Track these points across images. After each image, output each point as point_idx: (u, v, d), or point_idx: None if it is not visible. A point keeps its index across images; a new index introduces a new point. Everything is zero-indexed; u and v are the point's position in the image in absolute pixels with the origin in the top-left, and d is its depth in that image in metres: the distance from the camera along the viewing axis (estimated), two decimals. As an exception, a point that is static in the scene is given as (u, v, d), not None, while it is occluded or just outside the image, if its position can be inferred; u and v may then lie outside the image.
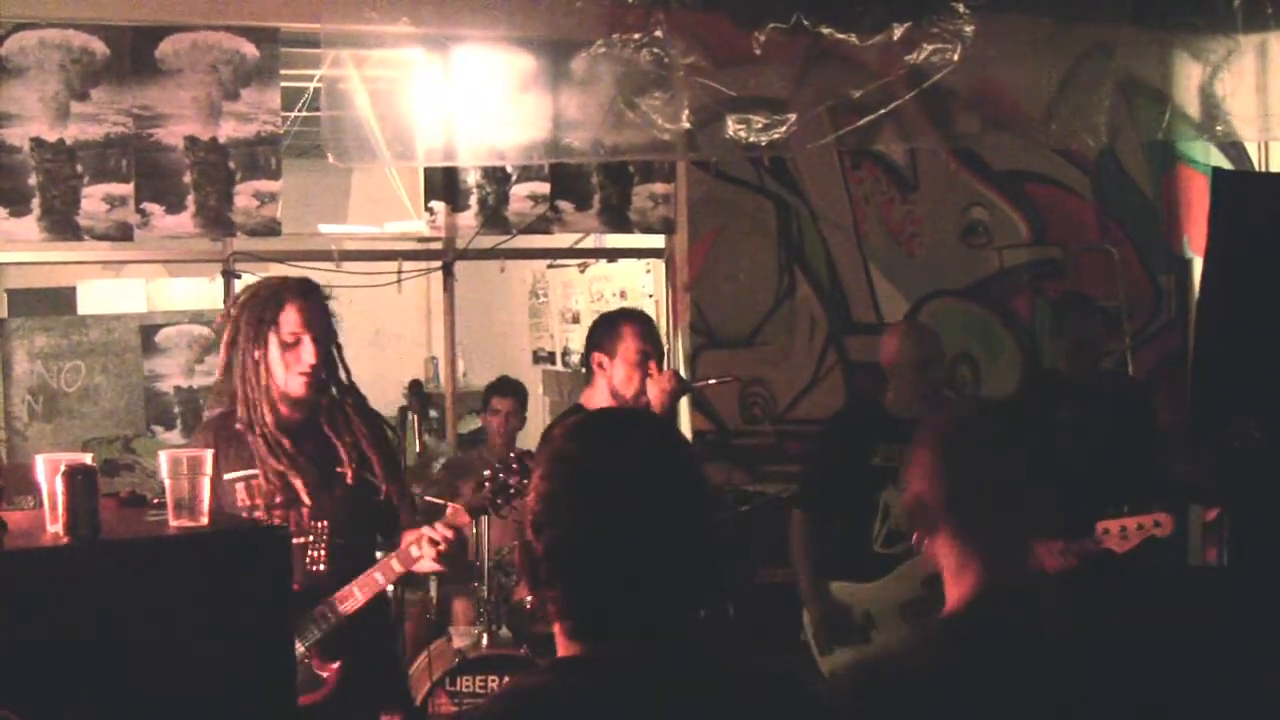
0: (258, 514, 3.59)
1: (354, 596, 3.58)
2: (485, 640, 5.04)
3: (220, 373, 3.70)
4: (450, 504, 3.68)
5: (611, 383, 4.26)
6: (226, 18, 5.41)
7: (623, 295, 7.54)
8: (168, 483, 2.81)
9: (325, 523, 3.63)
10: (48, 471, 2.74)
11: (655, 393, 4.07)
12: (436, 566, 3.64)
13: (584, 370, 4.44)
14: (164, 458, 2.84)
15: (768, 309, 6.24)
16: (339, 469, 3.64)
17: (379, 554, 3.76)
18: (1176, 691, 2.23)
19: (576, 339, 8.23)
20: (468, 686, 4.91)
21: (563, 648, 1.66)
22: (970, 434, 2.27)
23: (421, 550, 3.54)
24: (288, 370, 3.55)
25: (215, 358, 6.46)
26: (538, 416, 9.04)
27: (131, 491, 3.21)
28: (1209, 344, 6.10)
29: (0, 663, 2.46)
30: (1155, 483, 4.98)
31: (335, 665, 3.59)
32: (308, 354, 3.54)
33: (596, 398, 4.32)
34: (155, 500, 3.06)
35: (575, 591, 1.63)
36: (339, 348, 3.70)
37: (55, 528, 2.67)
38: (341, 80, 5.52)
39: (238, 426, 3.59)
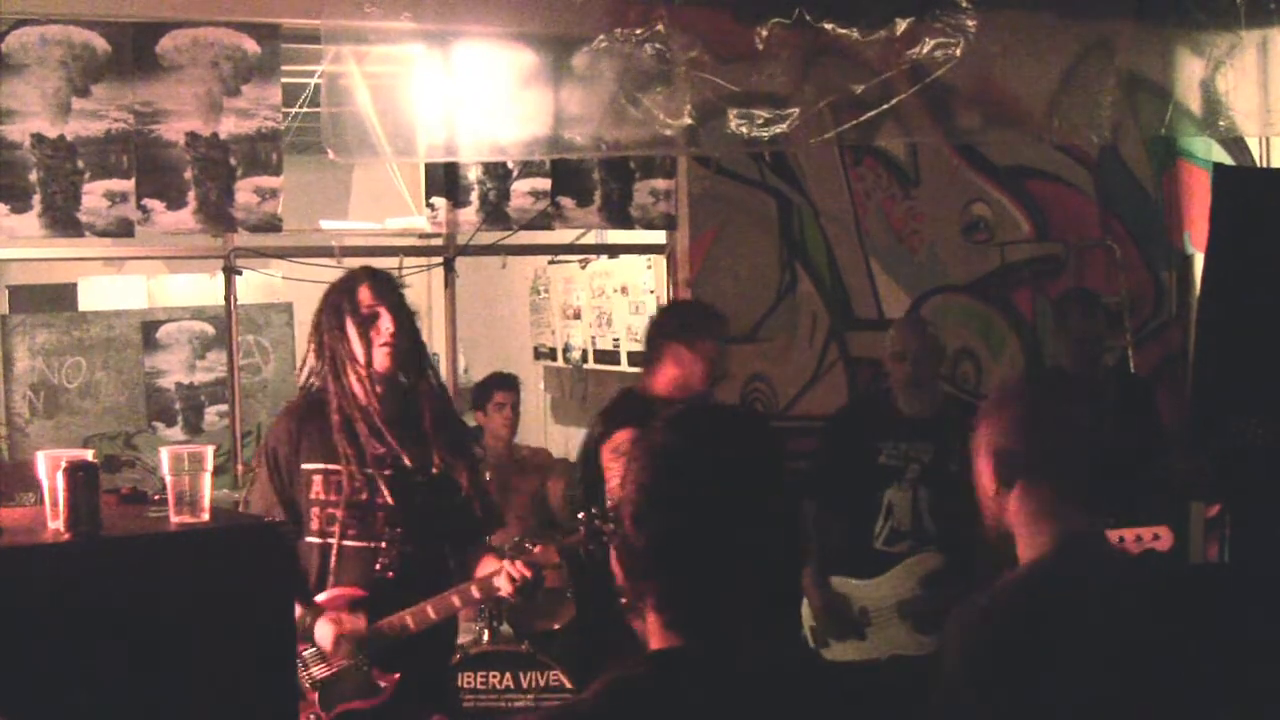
0: (330, 509, 3.58)
1: (427, 615, 3.58)
2: (486, 636, 5.05)
3: (300, 378, 3.73)
4: (541, 545, 3.62)
5: (682, 373, 4.31)
6: (227, 14, 5.40)
7: (624, 291, 7.54)
8: (169, 479, 2.81)
9: (400, 529, 3.61)
10: (49, 468, 2.74)
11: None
12: (510, 598, 3.60)
13: (648, 351, 4.48)
14: (165, 454, 2.84)
15: (769, 305, 6.24)
16: (419, 472, 3.61)
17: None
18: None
19: (578, 335, 8.23)
20: (469, 683, 4.92)
21: (658, 639, 1.67)
22: (1056, 393, 2.41)
23: (500, 584, 3.52)
24: (369, 348, 3.55)
25: (216, 354, 6.49)
26: (538, 412, 9.05)
27: (133, 488, 3.21)
28: (1210, 340, 6.08)
29: (1, 659, 2.46)
30: (1157, 480, 4.98)
31: (395, 676, 3.59)
32: (386, 324, 3.56)
33: (658, 384, 4.33)
34: (156, 497, 3.06)
35: (675, 584, 1.65)
36: (417, 331, 3.70)
37: (56, 524, 2.67)
38: (342, 76, 5.51)
39: (329, 425, 3.57)
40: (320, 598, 3.58)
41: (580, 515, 3.64)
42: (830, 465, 4.89)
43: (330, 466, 3.60)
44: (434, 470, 3.63)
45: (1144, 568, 2.35)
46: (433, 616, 3.58)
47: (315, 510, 3.61)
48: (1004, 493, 2.32)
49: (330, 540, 3.59)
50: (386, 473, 3.59)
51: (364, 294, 3.59)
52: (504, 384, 6.33)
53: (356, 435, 3.57)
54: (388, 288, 3.64)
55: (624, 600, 1.74)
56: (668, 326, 4.45)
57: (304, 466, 3.64)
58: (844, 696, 1.72)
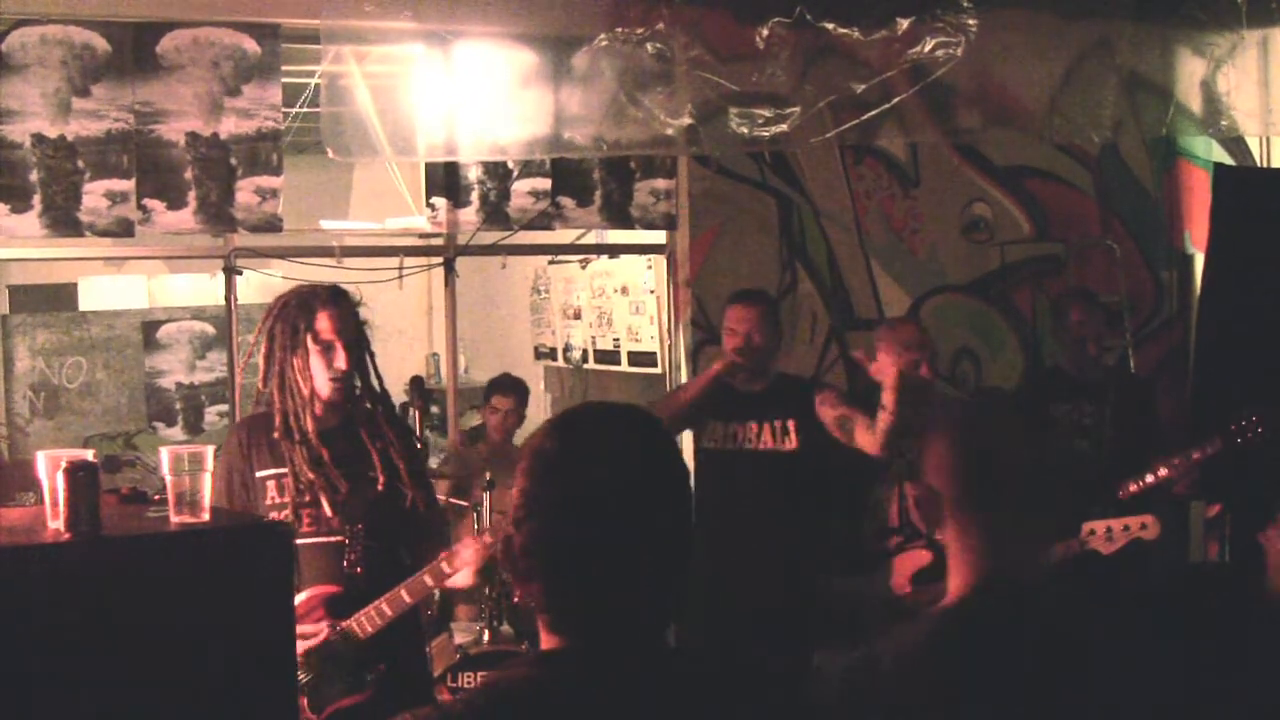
0: (285, 513, 3.65)
1: (402, 599, 3.64)
2: (486, 637, 5.05)
3: (261, 384, 3.75)
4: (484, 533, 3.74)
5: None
6: (227, 14, 5.40)
7: (624, 291, 7.54)
8: (169, 479, 2.81)
9: (360, 525, 3.67)
10: (49, 468, 2.74)
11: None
12: (472, 578, 3.72)
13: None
14: (165, 454, 2.84)
15: (769, 305, 6.23)
16: (371, 474, 3.70)
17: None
18: (1169, 691, 2.24)
19: (578, 335, 8.23)
20: (469, 683, 4.91)
21: (545, 640, 1.68)
22: (983, 429, 2.30)
23: (466, 557, 3.63)
24: (320, 375, 3.64)
25: (216, 354, 6.49)
26: (539, 412, 9.04)
27: (133, 488, 3.21)
28: (1210, 340, 6.09)
29: (0, 659, 2.46)
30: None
31: (380, 667, 3.62)
32: (339, 360, 3.64)
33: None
34: (156, 497, 3.06)
35: (555, 586, 1.66)
36: (372, 355, 3.79)
37: (56, 524, 2.67)
38: (342, 76, 5.51)
39: (275, 435, 3.66)
40: (299, 599, 3.59)
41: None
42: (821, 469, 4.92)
43: (281, 470, 3.69)
44: (379, 488, 3.70)
45: (1066, 619, 2.20)
46: (408, 600, 3.64)
47: (273, 515, 3.66)
48: (939, 529, 2.26)
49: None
50: (333, 484, 3.66)
51: (322, 323, 3.64)
52: (504, 388, 6.34)
53: (310, 449, 3.66)
54: (347, 319, 3.69)
55: (515, 599, 1.75)
56: None
57: (258, 474, 3.71)
58: (740, 699, 1.70)
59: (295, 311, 3.67)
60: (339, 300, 3.71)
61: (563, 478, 1.66)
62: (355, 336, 3.71)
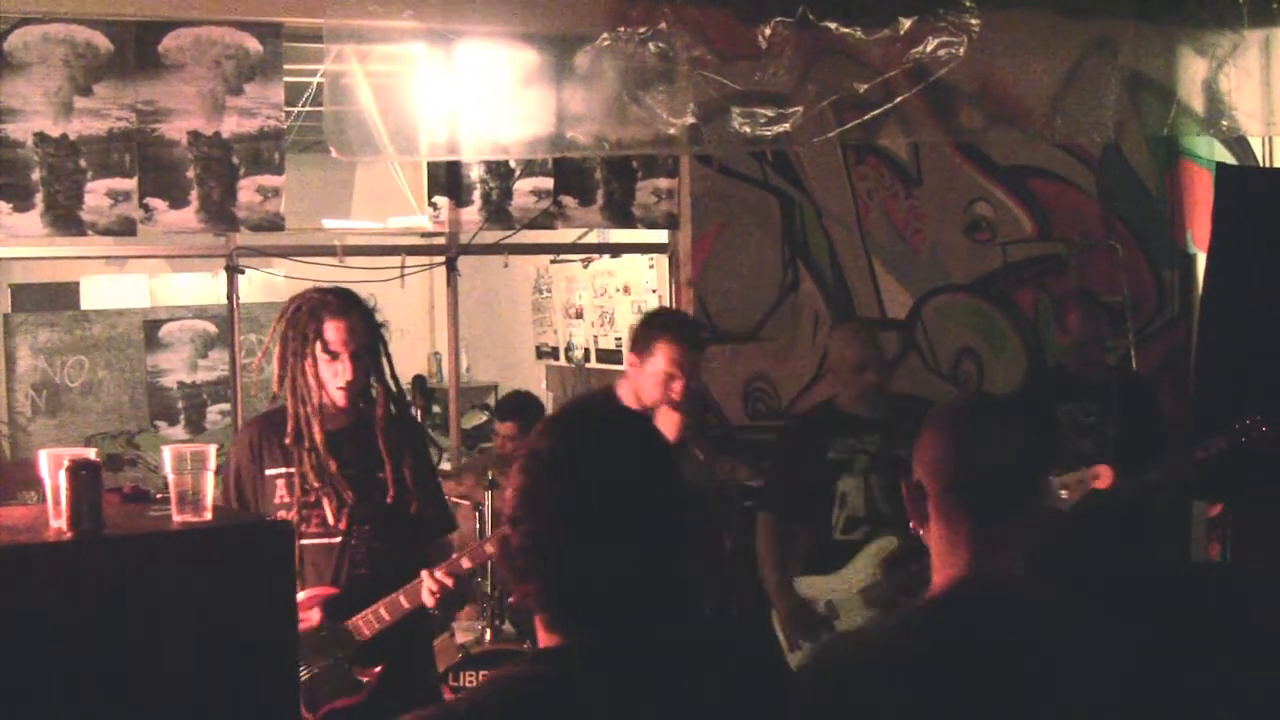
0: (292, 513, 3.66)
1: (400, 604, 3.64)
2: (488, 636, 5.04)
3: (276, 386, 3.76)
4: (461, 556, 3.71)
5: (635, 385, 4.33)
6: (230, 13, 5.40)
7: (626, 290, 7.54)
8: (171, 478, 2.81)
9: (368, 527, 3.69)
10: (51, 466, 2.74)
11: (668, 427, 4.09)
12: (433, 610, 3.71)
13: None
14: (167, 453, 2.84)
15: (771, 304, 6.23)
16: (380, 476, 3.71)
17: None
18: (1158, 690, 2.23)
19: (580, 334, 8.24)
20: (471, 682, 4.91)
21: (543, 638, 1.70)
22: (971, 424, 2.27)
23: (422, 595, 3.62)
24: (330, 383, 3.65)
25: (218, 353, 6.49)
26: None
27: (135, 487, 3.21)
28: (1213, 340, 6.08)
29: (2, 658, 2.46)
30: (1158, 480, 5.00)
31: (376, 670, 3.63)
32: (345, 370, 3.64)
33: (624, 392, 4.37)
34: (159, 496, 3.06)
35: (551, 584, 1.67)
36: (389, 356, 3.79)
37: (58, 523, 2.67)
38: (345, 75, 5.51)
39: (287, 441, 3.67)
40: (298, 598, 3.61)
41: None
42: (788, 472, 5.02)
43: (291, 470, 3.70)
44: (388, 500, 3.71)
45: (1048, 616, 2.17)
46: (405, 605, 3.63)
47: (281, 514, 3.67)
48: (923, 525, 2.24)
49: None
50: (348, 471, 3.68)
51: (330, 333, 3.65)
52: (506, 412, 6.12)
53: (318, 457, 3.67)
54: (356, 328, 3.68)
55: (511, 600, 1.76)
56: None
57: (268, 473, 3.72)
58: (739, 691, 1.72)
59: (305, 319, 3.67)
60: (348, 310, 3.70)
61: (559, 477, 1.67)
62: (366, 342, 3.70)
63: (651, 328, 4.38)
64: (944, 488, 2.20)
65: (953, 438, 2.23)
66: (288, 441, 3.68)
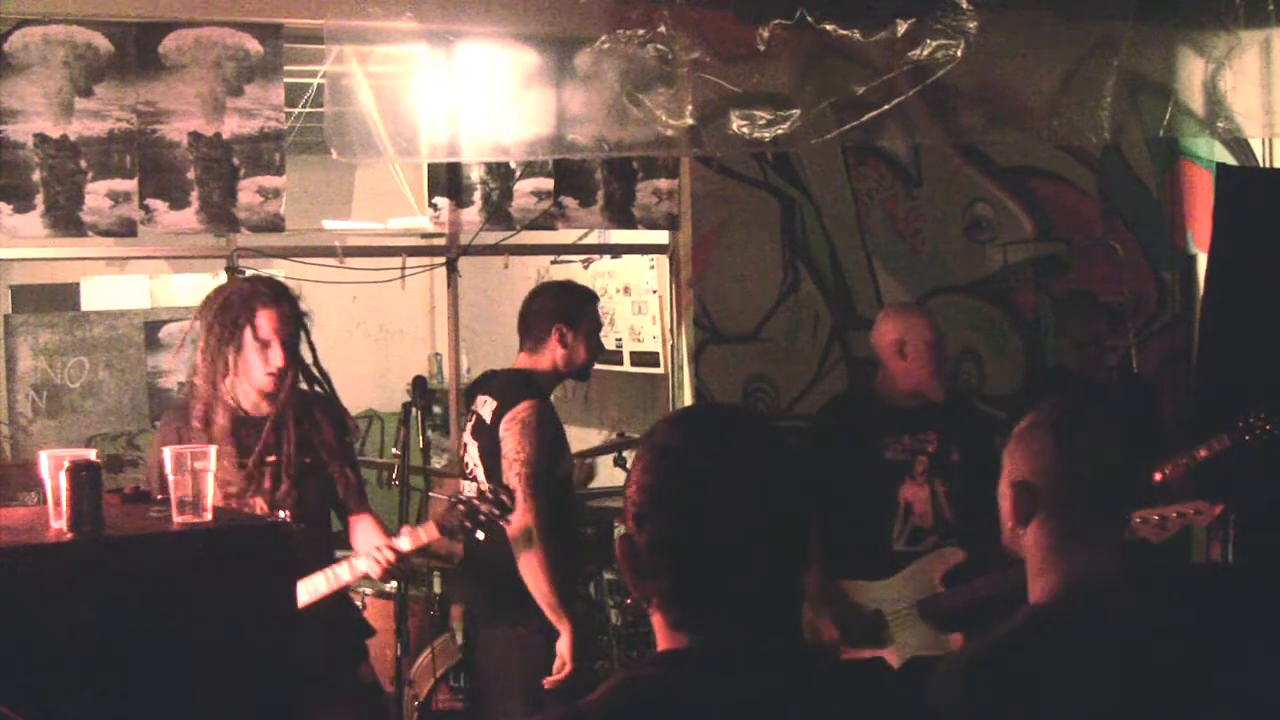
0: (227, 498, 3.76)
1: (319, 588, 3.79)
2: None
3: (192, 375, 3.91)
4: (423, 527, 3.95)
5: (566, 354, 4.39)
6: (230, 14, 5.40)
7: (626, 291, 7.54)
8: (171, 479, 2.81)
9: (289, 513, 3.78)
10: (51, 468, 2.75)
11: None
12: (380, 579, 4.03)
13: (531, 334, 4.48)
14: (168, 454, 2.85)
15: (771, 305, 6.24)
16: (308, 460, 3.88)
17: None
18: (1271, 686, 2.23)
19: (580, 335, 8.22)
20: (470, 682, 4.91)
21: (665, 639, 1.67)
22: (1086, 426, 2.26)
23: (368, 567, 3.82)
24: (258, 369, 3.78)
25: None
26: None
27: (135, 488, 3.22)
28: (1213, 340, 6.09)
29: (3, 659, 2.46)
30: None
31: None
32: (276, 357, 3.79)
33: (540, 363, 4.41)
34: (159, 497, 3.07)
35: (679, 583, 1.65)
36: (312, 346, 3.94)
37: (59, 524, 2.67)
38: (345, 76, 5.51)
39: (194, 423, 3.80)
40: None
41: (461, 496, 3.99)
42: (830, 465, 4.59)
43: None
44: (307, 475, 3.88)
45: (1163, 612, 2.18)
46: (325, 589, 3.79)
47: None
48: (1021, 528, 2.23)
49: None
50: (270, 459, 3.82)
51: (263, 321, 3.78)
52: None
53: (235, 427, 3.81)
54: (287, 317, 3.82)
55: (629, 600, 1.75)
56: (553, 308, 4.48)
57: None
58: (863, 696, 1.71)
59: (238, 308, 3.80)
60: (280, 299, 3.84)
61: (691, 473, 1.65)
62: (295, 330, 3.85)
63: (585, 299, 4.53)
64: (1057, 490, 2.20)
65: (1069, 439, 2.22)
66: (195, 424, 3.78)
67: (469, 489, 4.14)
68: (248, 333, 3.76)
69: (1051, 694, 2.08)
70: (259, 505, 3.77)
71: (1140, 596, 2.19)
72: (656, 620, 1.68)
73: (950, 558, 4.52)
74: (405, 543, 3.87)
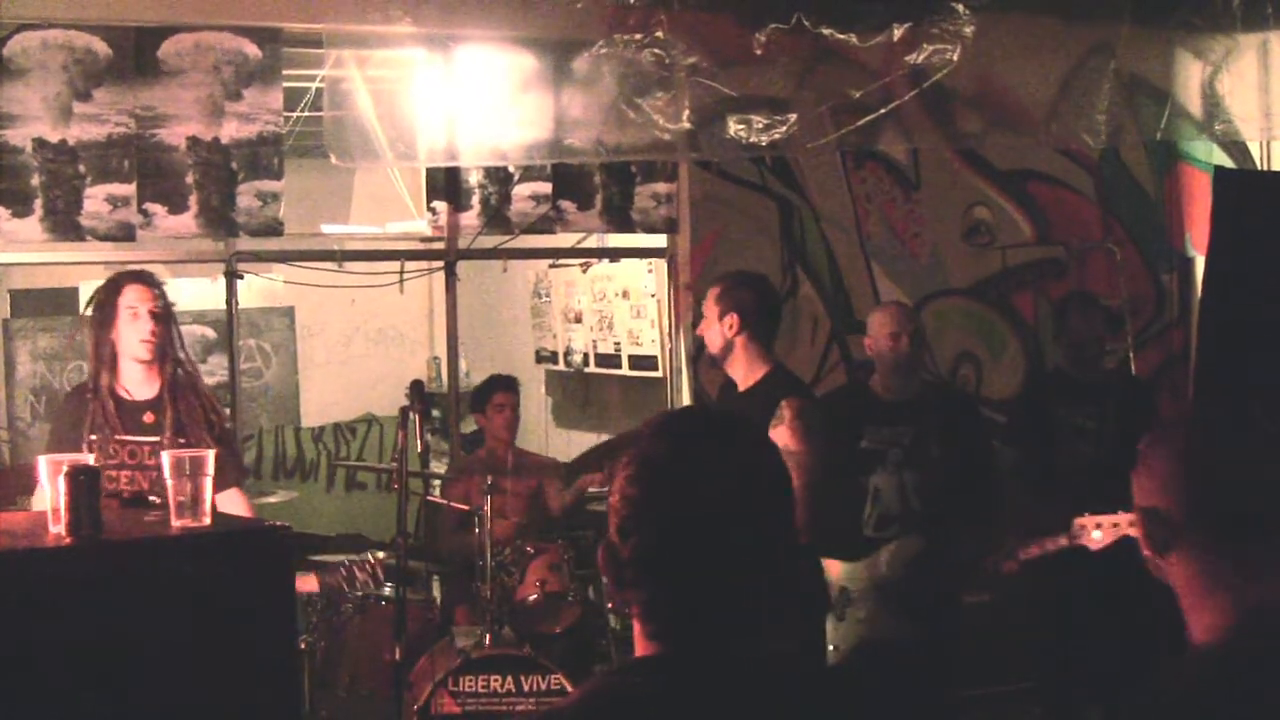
0: (108, 473, 3.96)
1: None
2: (488, 640, 5.05)
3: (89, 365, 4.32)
4: None
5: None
6: (229, 18, 5.40)
7: (625, 295, 7.54)
8: (170, 483, 2.82)
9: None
10: (50, 472, 2.75)
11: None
12: None
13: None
14: (166, 458, 2.85)
15: (770, 308, 6.23)
16: (181, 440, 4.16)
17: None
18: None
19: (579, 339, 8.24)
20: (470, 686, 4.92)
21: (643, 648, 1.67)
22: (1219, 439, 2.07)
23: None
24: (132, 338, 4.20)
25: (217, 358, 6.50)
26: (540, 415, 9.05)
27: (134, 491, 3.22)
28: (1211, 342, 6.09)
29: (2, 661, 2.47)
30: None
31: None
32: (145, 323, 4.21)
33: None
34: (158, 501, 3.07)
35: (662, 595, 1.65)
36: (178, 330, 4.39)
37: (58, 528, 2.68)
38: (344, 80, 5.52)
39: (88, 396, 4.20)
40: None
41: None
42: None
43: (105, 436, 4.18)
44: (180, 440, 4.17)
45: None
46: None
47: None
48: (1161, 556, 2.02)
49: None
50: (153, 438, 4.16)
51: (128, 295, 4.24)
52: (503, 385, 6.33)
53: (120, 410, 4.21)
54: (151, 294, 4.28)
55: (610, 606, 1.73)
56: None
57: (91, 438, 4.16)
58: (832, 706, 1.71)
59: (106, 292, 4.25)
60: (143, 278, 4.31)
61: (675, 489, 1.64)
62: (163, 309, 4.27)
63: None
64: (1202, 518, 1.99)
65: (1209, 463, 2.02)
66: (88, 398, 4.18)
67: None
68: (120, 308, 4.19)
69: None
70: (141, 481, 4.04)
71: None
72: (636, 628, 1.68)
73: (911, 546, 4.76)
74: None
